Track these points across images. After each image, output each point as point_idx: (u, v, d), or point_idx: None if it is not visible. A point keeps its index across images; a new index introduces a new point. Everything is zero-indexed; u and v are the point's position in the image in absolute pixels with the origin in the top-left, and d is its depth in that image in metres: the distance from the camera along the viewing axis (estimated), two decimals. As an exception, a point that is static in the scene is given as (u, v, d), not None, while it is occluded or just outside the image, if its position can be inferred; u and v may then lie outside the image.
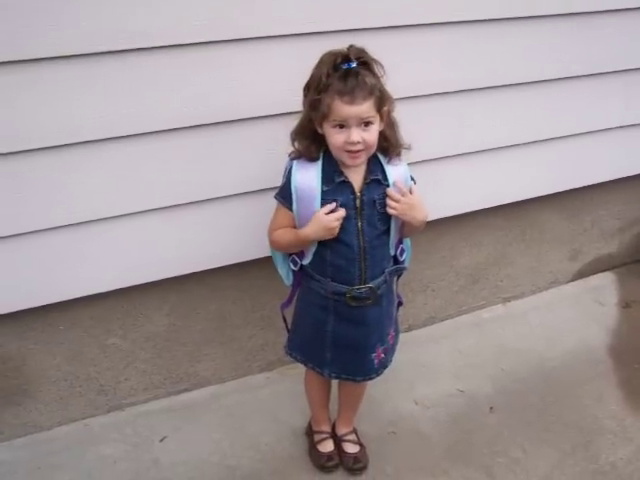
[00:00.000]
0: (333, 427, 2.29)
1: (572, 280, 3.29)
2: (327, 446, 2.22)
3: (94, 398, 2.41)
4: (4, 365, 2.22)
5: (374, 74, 1.64)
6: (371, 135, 1.65)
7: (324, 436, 2.23)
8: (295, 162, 1.78)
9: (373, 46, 1.67)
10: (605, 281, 3.31)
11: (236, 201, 2.18)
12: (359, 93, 1.59)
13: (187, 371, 2.52)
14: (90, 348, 2.33)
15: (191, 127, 2.02)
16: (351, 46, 1.64)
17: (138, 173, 2.02)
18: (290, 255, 1.93)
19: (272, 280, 2.42)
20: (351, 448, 2.22)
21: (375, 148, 1.71)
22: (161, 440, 2.33)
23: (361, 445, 2.23)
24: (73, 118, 1.86)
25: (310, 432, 2.28)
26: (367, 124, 1.64)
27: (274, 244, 1.89)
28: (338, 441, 2.25)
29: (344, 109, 1.60)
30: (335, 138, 1.66)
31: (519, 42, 2.40)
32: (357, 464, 2.17)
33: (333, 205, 1.72)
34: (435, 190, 2.46)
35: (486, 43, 2.35)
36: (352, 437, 2.24)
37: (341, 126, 1.64)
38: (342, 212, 1.72)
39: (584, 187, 2.95)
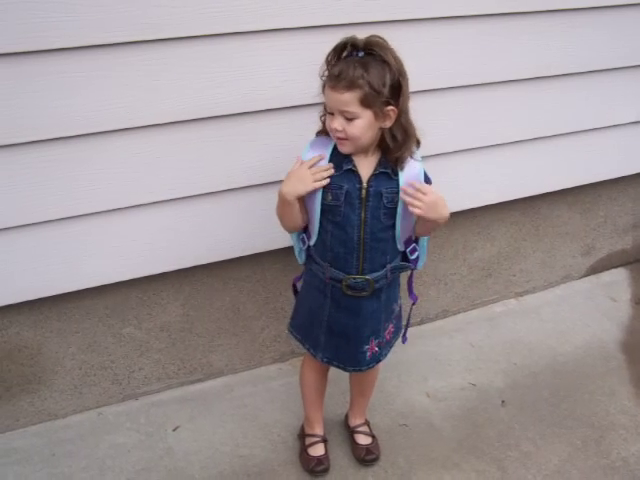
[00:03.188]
0: (348, 425, 2.29)
1: (585, 275, 3.29)
2: (318, 450, 2.19)
3: (108, 387, 2.43)
4: (20, 353, 2.24)
5: (377, 70, 1.58)
6: (353, 129, 1.62)
7: (315, 439, 2.21)
8: (311, 141, 1.79)
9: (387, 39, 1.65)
10: (618, 277, 3.30)
11: (250, 192, 2.19)
12: (342, 82, 1.56)
13: (201, 361, 2.54)
14: (105, 337, 2.34)
15: (206, 118, 2.02)
16: (371, 36, 1.61)
17: (153, 164, 2.03)
18: (301, 233, 1.92)
19: (285, 272, 2.45)
20: (363, 440, 2.22)
21: (363, 142, 1.66)
22: (174, 429, 2.34)
23: (373, 437, 2.24)
24: (91, 109, 1.87)
25: (302, 435, 2.26)
26: (350, 118, 1.61)
27: (277, 216, 1.85)
28: (350, 432, 2.26)
29: (328, 94, 1.62)
30: (327, 122, 1.68)
31: (534, 37, 2.39)
32: (369, 456, 2.18)
33: (318, 158, 1.73)
34: (449, 184, 2.46)
35: (501, 37, 2.34)
36: (365, 429, 2.25)
37: (332, 112, 1.64)
38: (325, 166, 1.72)
39: (598, 182, 2.94)
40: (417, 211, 1.69)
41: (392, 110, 1.62)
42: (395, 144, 1.69)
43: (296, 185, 1.71)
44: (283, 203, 1.76)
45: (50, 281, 2.09)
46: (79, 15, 1.73)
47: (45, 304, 2.17)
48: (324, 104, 1.71)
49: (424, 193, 1.68)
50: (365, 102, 1.58)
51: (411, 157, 1.74)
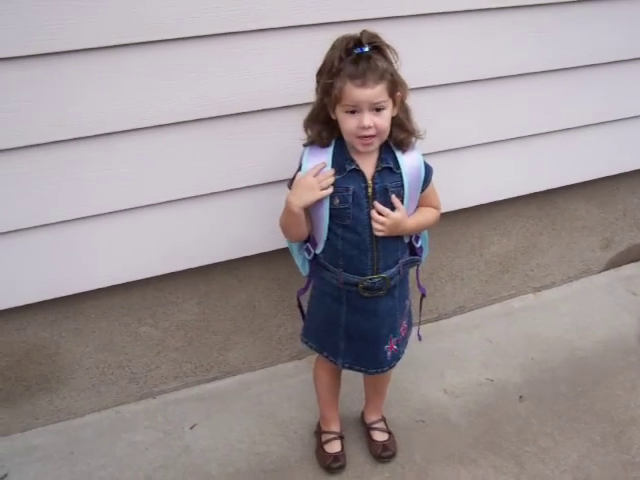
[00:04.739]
0: (365, 422, 2.28)
1: (604, 270, 3.25)
2: (334, 447, 2.18)
3: (126, 386, 2.45)
4: (38, 353, 2.26)
5: (387, 59, 1.63)
6: (383, 120, 1.64)
7: (332, 436, 2.20)
8: (307, 149, 1.79)
9: (392, 35, 1.65)
10: (638, 271, 3.26)
11: (263, 190, 2.20)
12: (370, 76, 1.57)
13: (217, 359, 2.55)
14: (121, 336, 2.36)
15: (214, 118, 2.04)
16: (364, 31, 1.62)
17: (166, 163, 2.04)
18: (305, 244, 1.92)
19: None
20: (380, 436, 2.22)
21: (387, 134, 1.70)
22: (192, 427, 2.35)
23: (390, 433, 2.23)
24: (104, 110, 1.89)
25: (319, 432, 2.26)
26: (379, 109, 1.63)
27: (281, 228, 1.86)
28: (367, 429, 2.25)
29: (356, 93, 1.59)
30: (347, 123, 1.65)
31: (549, 29, 2.37)
32: (386, 452, 2.17)
33: (321, 165, 1.73)
34: (464, 178, 2.45)
35: (516, 30, 2.32)
36: (381, 425, 2.25)
37: (353, 111, 1.63)
38: (329, 172, 1.72)
39: (616, 175, 2.91)
40: (379, 233, 1.74)
41: (399, 95, 1.67)
42: (402, 131, 1.73)
43: (303, 195, 1.72)
44: (290, 214, 1.76)
45: (66, 281, 2.11)
46: (85, 17, 1.75)
47: (62, 304, 2.19)
48: (315, 112, 1.74)
49: (385, 216, 1.73)
50: (390, 91, 1.63)
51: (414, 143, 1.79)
